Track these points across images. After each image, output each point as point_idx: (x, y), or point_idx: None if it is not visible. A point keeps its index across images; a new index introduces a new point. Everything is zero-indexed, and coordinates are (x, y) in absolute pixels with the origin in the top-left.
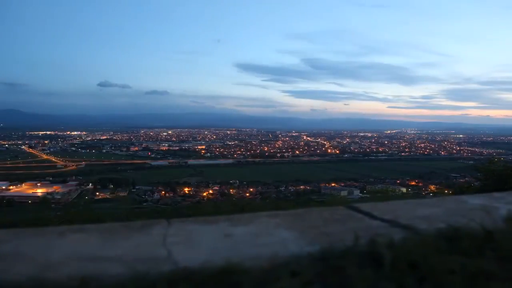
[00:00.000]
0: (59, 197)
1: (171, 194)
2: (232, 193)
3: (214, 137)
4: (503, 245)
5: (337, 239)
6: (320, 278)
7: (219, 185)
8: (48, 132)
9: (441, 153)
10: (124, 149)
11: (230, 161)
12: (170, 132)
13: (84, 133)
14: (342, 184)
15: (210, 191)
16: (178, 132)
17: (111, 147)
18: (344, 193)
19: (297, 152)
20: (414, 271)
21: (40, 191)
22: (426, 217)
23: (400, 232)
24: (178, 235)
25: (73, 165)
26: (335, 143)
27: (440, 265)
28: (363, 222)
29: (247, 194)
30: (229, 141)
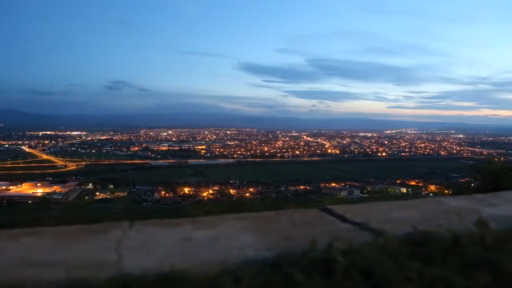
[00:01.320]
0: (59, 197)
1: (171, 194)
2: (232, 193)
3: (214, 137)
4: (469, 252)
5: (299, 244)
6: (265, 286)
7: (219, 185)
8: (48, 132)
9: (441, 153)
10: (124, 149)
11: (230, 161)
12: (170, 132)
13: (84, 133)
14: (342, 184)
15: (210, 191)
16: (178, 132)
17: (111, 147)
18: (344, 193)
19: (297, 152)
20: (368, 278)
21: (40, 191)
22: (400, 220)
23: (367, 236)
24: (135, 238)
25: (73, 165)
26: (335, 143)
27: (397, 273)
28: (332, 225)
29: (247, 194)
30: (229, 141)
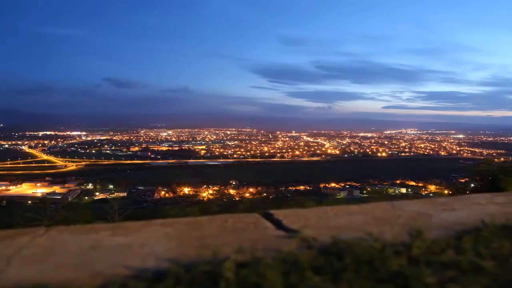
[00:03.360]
0: (58, 197)
1: (171, 195)
2: (232, 193)
3: (214, 137)
4: (386, 265)
5: (216, 253)
6: None
7: (218, 186)
8: (48, 132)
9: (441, 153)
10: (124, 149)
11: (230, 161)
12: (170, 132)
13: (84, 133)
14: (342, 185)
15: (210, 191)
16: (178, 133)
17: (111, 147)
18: (343, 193)
19: (297, 152)
20: None
21: (39, 191)
22: (340, 226)
23: (294, 243)
24: (40, 246)
25: (73, 165)
26: (335, 143)
27: None
28: (263, 232)
29: (247, 195)
30: (229, 141)
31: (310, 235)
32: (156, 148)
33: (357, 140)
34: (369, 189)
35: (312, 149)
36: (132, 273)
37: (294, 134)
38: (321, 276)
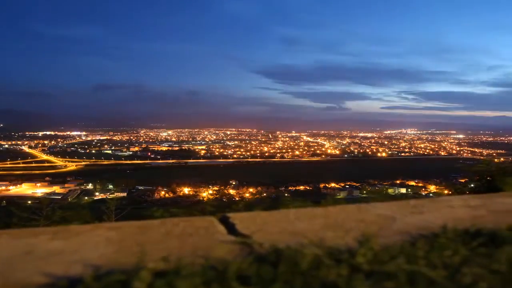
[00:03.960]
0: (58, 197)
1: (171, 195)
2: (232, 193)
3: (214, 137)
4: (320, 275)
5: (152, 259)
6: None
7: (218, 186)
8: (48, 132)
9: (441, 153)
10: (124, 149)
11: (230, 161)
12: (170, 132)
13: (84, 133)
14: (342, 185)
15: (210, 192)
16: (178, 133)
17: (111, 147)
18: (343, 193)
19: (297, 152)
20: None
21: (39, 192)
22: (294, 231)
23: (236, 250)
24: None
25: (72, 166)
26: (335, 143)
27: None
28: (211, 237)
29: (247, 195)
30: (229, 141)
31: (260, 240)
32: (156, 148)
33: (357, 140)
34: (369, 189)
35: (312, 149)
36: (50, 281)
37: (294, 134)
38: (247, 287)
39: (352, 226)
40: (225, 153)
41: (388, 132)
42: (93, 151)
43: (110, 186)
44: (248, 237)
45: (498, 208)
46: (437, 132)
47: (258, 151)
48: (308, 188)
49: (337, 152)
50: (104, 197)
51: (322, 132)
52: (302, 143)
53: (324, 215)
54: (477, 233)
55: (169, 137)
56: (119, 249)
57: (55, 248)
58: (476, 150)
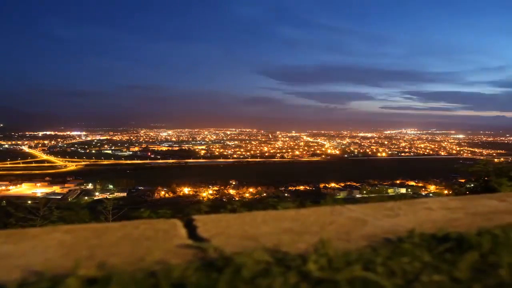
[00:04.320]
0: (58, 197)
1: (171, 195)
2: (232, 193)
3: (214, 137)
4: (263, 285)
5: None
6: None
7: (218, 186)
8: (48, 132)
9: (441, 153)
10: (124, 149)
11: (230, 161)
12: (170, 132)
13: (84, 133)
14: (342, 185)
15: (210, 191)
16: (178, 133)
17: (111, 147)
18: (343, 193)
19: (297, 152)
20: None
21: (39, 192)
22: (255, 235)
23: (189, 255)
24: None
25: (72, 166)
26: (335, 143)
27: None
28: (168, 241)
29: (247, 195)
30: (229, 141)
31: (218, 244)
32: (156, 148)
33: (357, 140)
34: (369, 189)
35: (312, 149)
36: None
37: (294, 134)
38: None
39: (317, 230)
40: (225, 153)
41: (388, 132)
42: (93, 151)
43: (110, 186)
44: (206, 241)
45: (477, 210)
46: (437, 132)
47: (258, 151)
48: (308, 188)
49: (337, 152)
50: (104, 197)
51: (322, 132)
52: (302, 143)
53: (293, 218)
54: (445, 238)
55: (169, 137)
56: (67, 253)
57: (2, 252)
58: (476, 150)
